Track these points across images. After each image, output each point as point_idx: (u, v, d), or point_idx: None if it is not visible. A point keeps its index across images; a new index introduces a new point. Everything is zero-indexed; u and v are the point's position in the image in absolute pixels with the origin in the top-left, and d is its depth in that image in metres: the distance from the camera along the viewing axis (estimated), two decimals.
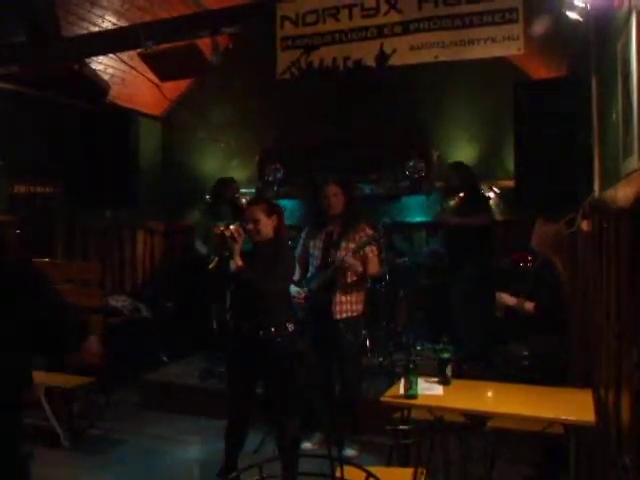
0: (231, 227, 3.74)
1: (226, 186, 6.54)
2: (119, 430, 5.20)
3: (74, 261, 6.75)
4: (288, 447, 3.72)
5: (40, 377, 4.68)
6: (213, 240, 4.99)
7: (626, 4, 2.52)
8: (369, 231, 4.53)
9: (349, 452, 4.43)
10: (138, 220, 7.58)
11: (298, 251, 4.73)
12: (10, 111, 5.97)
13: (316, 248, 4.62)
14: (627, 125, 2.56)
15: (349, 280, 4.48)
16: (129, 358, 6.13)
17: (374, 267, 4.58)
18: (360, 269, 4.44)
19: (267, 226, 3.77)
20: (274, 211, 3.83)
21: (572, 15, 3.24)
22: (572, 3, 3.11)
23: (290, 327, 3.74)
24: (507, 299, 4.08)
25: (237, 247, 3.69)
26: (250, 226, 3.75)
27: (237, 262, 3.68)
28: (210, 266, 3.73)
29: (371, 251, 4.53)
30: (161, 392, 5.75)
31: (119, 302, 6.66)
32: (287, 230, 4.07)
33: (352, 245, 4.45)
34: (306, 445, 4.62)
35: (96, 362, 2.63)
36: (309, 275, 4.63)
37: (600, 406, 3.15)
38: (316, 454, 4.48)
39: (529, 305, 3.96)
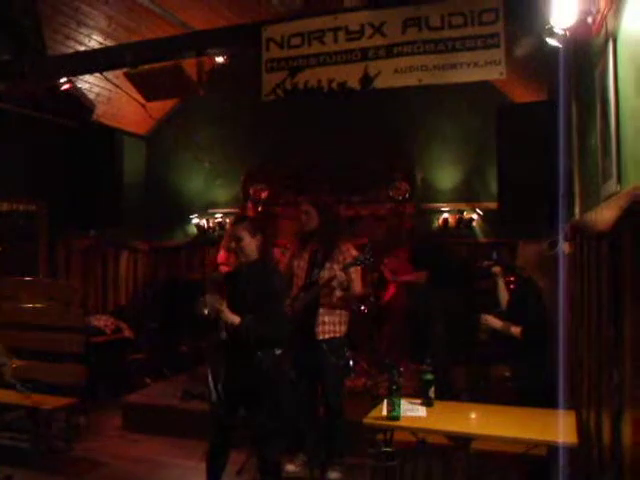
0: (207, 301, 3.62)
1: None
2: (99, 451, 5.11)
3: (56, 280, 6.69)
4: (270, 471, 3.68)
5: (19, 398, 4.63)
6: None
7: (603, 32, 2.58)
8: (354, 252, 4.54)
9: (332, 474, 4.39)
10: (122, 239, 7.55)
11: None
12: None
13: (300, 268, 4.62)
14: (605, 149, 2.61)
15: (333, 300, 4.48)
16: (110, 378, 6.06)
17: (358, 288, 4.58)
18: (346, 285, 4.43)
19: (251, 245, 3.70)
20: (259, 230, 3.78)
21: (552, 41, 3.30)
22: (552, 30, 3.17)
23: (277, 352, 3.67)
24: (493, 321, 4.09)
25: (225, 312, 3.55)
26: (233, 245, 3.70)
27: (234, 320, 3.54)
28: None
29: (354, 271, 4.53)
30: (142, 413, 5.68)
31: (101, 322, 6.60)
32: (273, 250, 4.04)
33: (336, 266, 4.45)
34: (289, 467, 4.57)
35: None
36: (292, 295, 4.62)
37: (582, 427, 3.17)
38: (299, 477, 4.47)
39: (515, 329, 3.97)
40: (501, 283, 4.31)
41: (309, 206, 4.57)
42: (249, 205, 7.26)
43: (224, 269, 6.05)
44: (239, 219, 4.00)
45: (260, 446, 3.74)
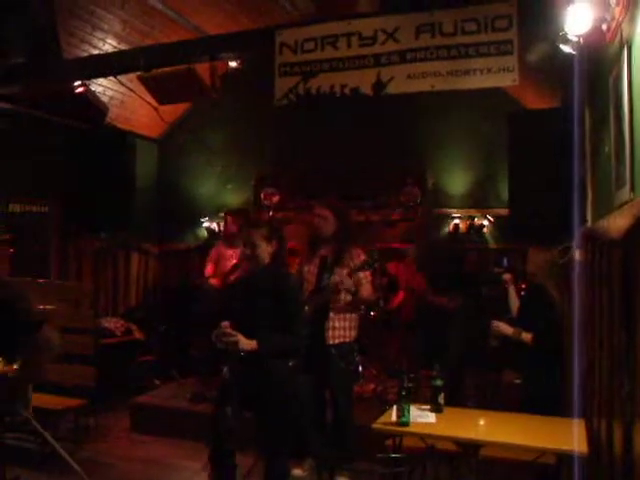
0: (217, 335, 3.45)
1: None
2: (107, 453, 5.13)
3: (67, 281, 6.73)
4: None
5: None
6: None
7: (618, 39, 2.57)
8: (363, 257, 4.53)
9: (340, 479, 4.39)
10: (132, 242, 7.58)
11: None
12: (7, 130, 6.00)
13: (310, 273, 4.61)
14: (619, 156, 2.60)
15: (343, 305, 4.47)
16: (120, 380, 6.09)
17: (367, 292, 4.57)
18: (353, 291, 4.41)
19: (265, 252, 3.62)
20: (274, 236, 3.67)
21: (565, 48, 3.30)
22: (565, 36, 3.17)
23: (290, 363, 3.60)
24: (504, 328, 4.07)
25: (240, 342, 3.40)
26: (247, 251, 3.60)
27: (252, 346, 3.41)
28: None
29: (364, 277, 4.52)
30: (151, 415, 5.69)
31: (111, 323, 6.63)
32: (287, 256, 3.93)
33: (346, 270, 4.44)
34: (297, 472, 4.57)
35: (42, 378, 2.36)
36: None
37: (592, 436, 3.14)
38: None
39: (526, 335, 3.95)
40: (512, 290, 4.28)
41: (326, 210, 4.53)
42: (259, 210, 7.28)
43: (214, 282, 6.09)
44: (254, 223, 3.92)
45: (268, 456, 3.68)
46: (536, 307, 4.05)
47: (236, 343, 3.37)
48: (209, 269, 6.22)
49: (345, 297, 4.45)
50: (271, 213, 7.09)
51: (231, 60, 4.98)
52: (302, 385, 3.96)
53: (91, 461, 4.99)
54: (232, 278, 6.09)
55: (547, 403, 3.70)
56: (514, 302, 4.24)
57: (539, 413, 3.50)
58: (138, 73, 4.82)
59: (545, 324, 3.90)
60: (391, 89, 4.00)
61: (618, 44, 2.56)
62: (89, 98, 5.49)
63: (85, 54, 6.00)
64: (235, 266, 6.10)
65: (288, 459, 3.73)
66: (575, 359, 3.53)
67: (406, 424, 3.22)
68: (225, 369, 3.52)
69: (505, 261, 4.40)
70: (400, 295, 6.36)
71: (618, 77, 2.55)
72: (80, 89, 5.32)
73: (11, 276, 5.93)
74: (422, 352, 6.18)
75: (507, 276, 4.31)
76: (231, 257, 6.16)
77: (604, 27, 2.82)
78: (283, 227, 4.45)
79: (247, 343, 3.39)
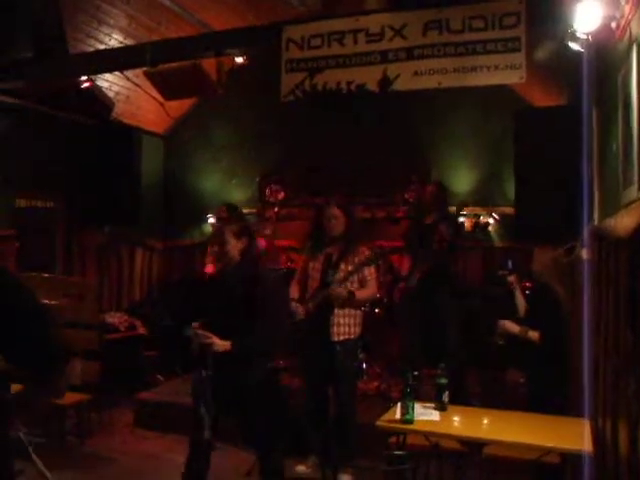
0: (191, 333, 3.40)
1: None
2: (110, 448, 5.14)
3: (72, 276, 6.74)
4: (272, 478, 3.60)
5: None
6: None
7: (627, 36, 2.56)
8: (367, 253, 4.53)
9: (343, 477, 4.38)
10: (137, 237, 7.59)
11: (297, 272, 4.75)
12: (14, 126, 6.01)
13: (315, 270, 4.61)
14: (627, 155, 2.59)
15: (347, 302, 4.47)
16: (124, 375, 6.09)
17: (372, 290, 4.57)
18: (346, 297, 4.40)
19: (235, 249, 3.52)
20: (244, 233, 3.60)
21: (574, 46, 3.28)
22: (574, 34, 3.15)
23: (270, 365, 3.55)
24: (510, 327, 4.06)
25: (215, 343, 3.32)
26: (217, 248, 3.56)
27: (225, 347, 3.33)
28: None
29: (369, 274, 4.52)
30: (154, 410, 5.70)
31: (115, 319, 6.64)
32: (260, 252, 3.81)
33: (350, 267, 4.44)
34: (300, 468, 4.57)
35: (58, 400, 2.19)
36: (307, 297, 4.61)
37: (597, 436, 3.13)
38: (311, 478, 4.46)
39: (533, 334, 3.94)
40: (518, 292, 4.24)
41: (337, 210, 4.53)
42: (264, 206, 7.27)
43: None
44: (224, 219, 3.78)
45: (259, 454, 3.65)
46: (542, 306, 4.03)
47: (210, 345, 3.31)
48: (208, 267, 6.21)
49: (344, 294, 4.43)
50: (276, 209, 7.07)
51: (237, 56, 4.98)
52: (281, 385, 3.83)
53: (94, 456, 5.01)
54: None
55: (552, 402, 3.69)
56: (521, 303, 4.22)
57: (544, 412, 3.49)
58: (144, 68, 4.82)
59: (552, 323, 3.89)
60: (397, 86, 3.99)
61: (627, 42, 2.55)
62: (95, 93, 5.50)
63: (91, 49, 5.99)
64: None
65: (281, 455, 3.70)
66: (581, 358, 3.52)
67: (410, 422, 3.22)
68: (202, 371, 3.42)
69: (510, 263, 4.34)
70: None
71: (627, 75, 2.54)
72: (86, 84, 5.33)
73: (16, 271, 5.95)
74: (420, 351, 6.17)
75: (512, 278, 4.28)
76: None
77: (613, 25, 2.81)
78: (254, 225, 4.38)
79: (221, 344, 3.32)
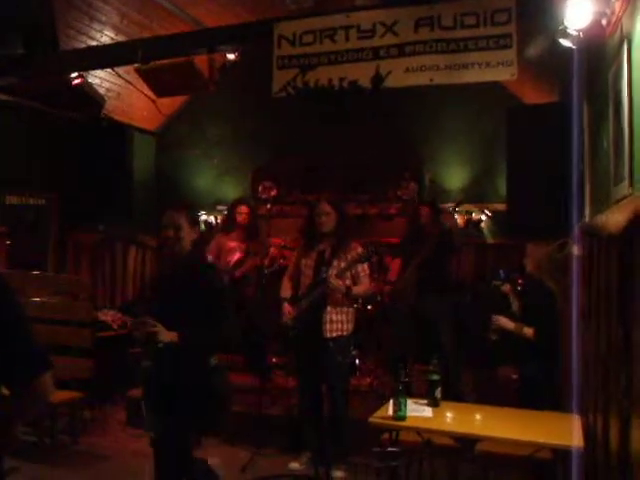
0: (135, 325, 3.22)
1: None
2: (103, 446, 5.13)
3: (64, 274, 6.71)
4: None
5: None
6: None
7: (618, 32, 2.56)
8: (360, 250, 4.53)
9: (337, 473, 4.39)
10: (130, 234, 7.56)
11: (289, 268, 4.76)
12: (4, 122, 5.98)
13: (307, 266, 4.62)
14: (618, 152, 2.60)
15: (340, 299, 4.47)
16: (116, 373, 6.08)
17: (365, 286, 4.58)
18: (344, 291, 4.42)
19: (189, 236, 3.34)
20: (197, 223, 3.48)
21: (565, 42, 3.29)
22: (565, 31, 3.16)
23: (213, 362, 3.31)
24: (504, 322, 4.07)
25: (160, 333, 3.13)
26: (170, 233, 3.32)
27: (171, 337, 3.14)
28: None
29: (362, 270, 4.53)
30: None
31: (108, 316, 6.61)
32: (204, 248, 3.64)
33: (343, 264, 4.45)
34: (293, 465, 4.58)
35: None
36: (300, 293, 4.62)
37: (589, 431, 3.15)
38: (304, 475, 4.47)
39: (528, 330, 3.95)
40: (513, 301, 4.22)
41: (329, 206, 4.54)
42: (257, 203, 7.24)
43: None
44: (175, 206, 3.49)
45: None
46: (537, 302, 4.05)
47: (155, 333, 3.14)
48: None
49: (342, 290, 4.45)
50: (269, 206, 7.06)
51: (229, 52, 4.96)
52: (226, 383, 3.64)
53: (87, 454, 5.00)
54: (238, 273, 6.08)
55: (545, 398, 3.71)
56: (516, 304, 4.22)
57: (537, 408, 3.50)
58: (136, 65, 4.80)
59: (546, 319, 3.90)
60: (389, 83, 3.98)
61: (618, 38, 2.55)
62: (86, 90, 5.46)
63: (82, 46, 5.96)
64: (239, 261, 6.08)
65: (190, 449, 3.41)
66: (573, 354, 3.53)
67: (403, 418, 3.22)
68: (144, 361, 3.29)
69: (502, 273, 4.31)
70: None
71: (618, 72, 2.54)
72: (77, 81, 5.29)
73: (8, 269, 5.92)
74: (414, 347, 6.17)
75: (506, 287, 4.26)
76: (234, 250, 6.12)
77: (604, 21, 2.82)
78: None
79: (167, 334, 3.14)
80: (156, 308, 3.32)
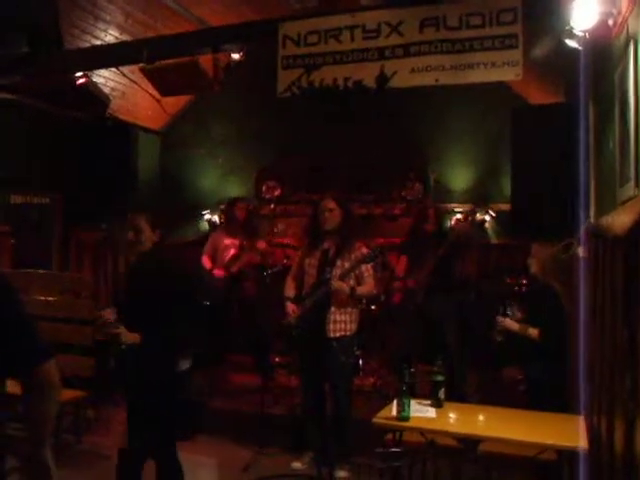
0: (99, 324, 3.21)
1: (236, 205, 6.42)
2: (107, 446, 5.12)
3: (68, 272, 6.72)
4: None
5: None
6: None
7: (624, 33, 2.55)
8: (364, 250, 4.53)
9: (340, 473, 4.39)
10: None
11: (293, 268, 4.76)
12: (9, 121, 5.98)
13: (311, 266, 4.61)
14: (624, 153, 2.58)
15: (345, 300, 4.46)
16: (120, 372, 6.07)
17: (369, 286, 4.57)
18: (348, 292, 4.41)
19: (149, 239, 3.39)
20: (158, 226, 3.51)
21: (571, 43, 3.28)
22: (571, 31, 3.15)
23: (184, 365, 3.35)
24: (510, 324, 4.06)
25: (123, 334, 3.14)
26: (131, 235, 3.36)
27: (134, 338, 3.14)
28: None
29: (366, 270, 4.53)
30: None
31: (111, 315, 6.60)
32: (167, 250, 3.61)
33: (347, 264, 4.44)
34: (296, 465, 4.58)
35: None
36: (303, 293, 4.62)
37: (593, 433, 3.14)
38: (306, 474, 4.47)
39: (533, 331, 3.94)
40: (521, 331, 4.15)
41: (333, 202, 4.53)
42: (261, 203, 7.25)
43: (217, 273, 6.09)
44: (137, 210, 3.58)
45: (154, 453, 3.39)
46: (543, 303, 4.04)
47: (118, 335, 3.13)
48: (205, 261, 6.21)
49: (346, 290, 4.43)
50: (272, 206, 7.07)
51: (234, 52, 4.96)
52: (195, 388, 3.56)
53: (91, 453, 5.01)
54: (235, 269, 6.10)
55: (550, 399, 3.70)
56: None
57: (541, 409, 3.49)
58: (140, 65, 4.80)
59: (553, 320, 3.89)
60: (395, 83, 3.97)
61: (624, 39, 2.54)
62: (90, 89, 5.46)
63: (87, 45, 5.97)
64: (235, 256, 6.11)
65: (175, 456, 3.41)
66: (578, 355, 3.52)
67: (406, 419, 3.22)
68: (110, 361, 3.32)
69: (507, 309, 4.22)
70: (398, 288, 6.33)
71: (624, 72, 2.53)
72: (81, 80, 5.29)
73: (12, 267, 5.93)
74: (419, 347, 6.16)
75: (510, 324, 4.18)
76: (229, 247, 6.16)
77: (610, 22, 2.80)
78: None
79: (130, 336, 3.14)
80: (123, 309, 3.29)
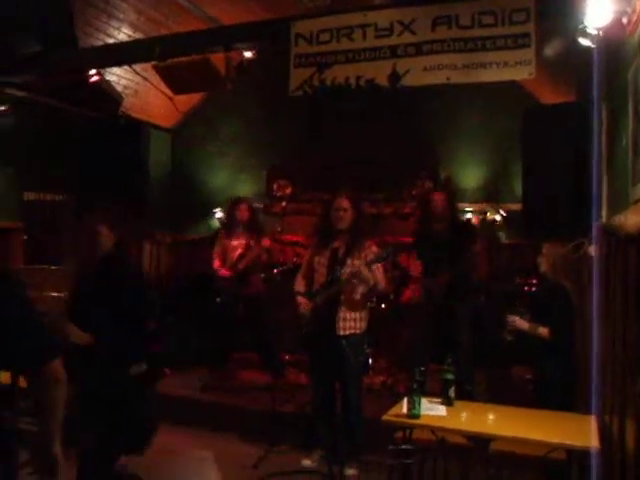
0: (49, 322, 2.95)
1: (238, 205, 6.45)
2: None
3: None
4: None
5: None
6: None
7: (638, 31, 2.55)
8: (375, 249, 4.53)
9: (349, 471, 4.40)
10: (145, 231, 7.60)
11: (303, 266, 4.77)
12: (23, 119, 6.03)
13: (321, 264, 4.61)
14: (636, 152, 2.58)
15: (354, 297, 4.47)
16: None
17: (380, 284, 4.56)
18: (372, 282, 4.40)
19: (108, 241, 3.24)
20: (118, 225, 3.34)
21: (584, 41, 3.27)
22: (584, 30, 3.14)
23: (137, 369, 3.16)
24: (520, 323, 4.05)
25: (72, 333, 2.99)
26: (87, 237, 3.24)
27: (85, 339, 3.00)
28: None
29: (377, 269, 4.52)
30: (162, 404, 5.70)
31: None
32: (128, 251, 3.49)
33: (357, 262, 4.44)
34: (306, 462, 4.59)
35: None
36: (314, 290, 4.62)
37: (604, 432, 3.13)
38: (316, 471, 4.48)
39: (543, 330, 3.93)
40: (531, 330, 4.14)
41: (348, 202, 4.54)
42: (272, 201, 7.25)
43: (224, 273, 6.11)
44: (100, 209, 3.41)
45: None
46: (553, 302, 4.03)
47: (67, 335, 2.98)
48: (216, 263, 6.23)
49: (359, 289, 4.43)
50: (284, 204, 7.08)
51: (246, 50, 4.98)
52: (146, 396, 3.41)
53: None
54: (241, 266, 6.13)
55: (561, 398, 3.69)
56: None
57: (553, 408, 3.49)
58: (153, 63, 4.83)
59: (563, 319, 3.89)
60: (407, 81, 3.98)
61: (638, 37, 2.54)
62: (103, 87, 5.50)
63: (100, 43, 6.00)
64: (241, 255, 6.13)
65: (110, 466, 3.26)
66: (589, 354, 3.52)
67: (416, 416, 3.22)
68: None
69: (518, 309, 4.19)
70: (411, 288, 6.33)
71: (638, 70, 2.53)
72: (95, 78, 5.33)
73: (25, 264, 5.98)
74: (431, 346, 6.15)
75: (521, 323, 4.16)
76: (236, 248, 6.18)
77: (624, 20, 2.80)
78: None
79: (80, 336, 3.01)
80: (78, 309, 3.19)
